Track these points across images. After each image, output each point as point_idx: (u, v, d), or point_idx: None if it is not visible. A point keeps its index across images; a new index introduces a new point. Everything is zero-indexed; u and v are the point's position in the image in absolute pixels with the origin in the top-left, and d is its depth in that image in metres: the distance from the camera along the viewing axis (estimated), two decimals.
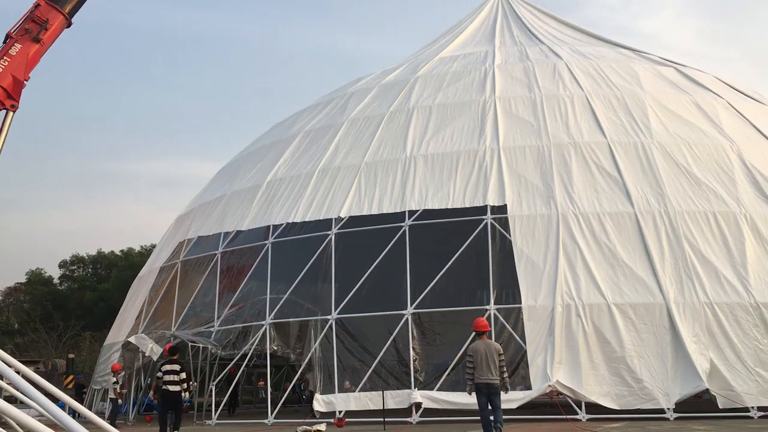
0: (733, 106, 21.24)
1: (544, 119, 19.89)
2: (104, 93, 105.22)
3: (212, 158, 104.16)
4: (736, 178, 18.32)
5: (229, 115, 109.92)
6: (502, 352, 11.51)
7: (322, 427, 14.67)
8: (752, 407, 15.13)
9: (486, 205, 17.83)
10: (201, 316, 20.02)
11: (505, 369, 11.49)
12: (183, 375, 14.33)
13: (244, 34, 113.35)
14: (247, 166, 24.40)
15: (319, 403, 16.92)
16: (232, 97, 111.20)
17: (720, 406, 15.21)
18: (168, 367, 14.32)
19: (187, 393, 14.71)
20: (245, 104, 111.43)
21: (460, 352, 15.67)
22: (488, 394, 11.17)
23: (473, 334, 12.00)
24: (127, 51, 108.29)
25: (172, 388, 14.13)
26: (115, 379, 19.02)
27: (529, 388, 15.63)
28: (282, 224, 19.77)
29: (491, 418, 11.10)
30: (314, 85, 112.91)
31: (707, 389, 15.30)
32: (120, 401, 19.38)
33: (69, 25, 13.37)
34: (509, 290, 16.82)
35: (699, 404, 16.71)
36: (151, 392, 14.67)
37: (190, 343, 19.48)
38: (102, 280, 52.10)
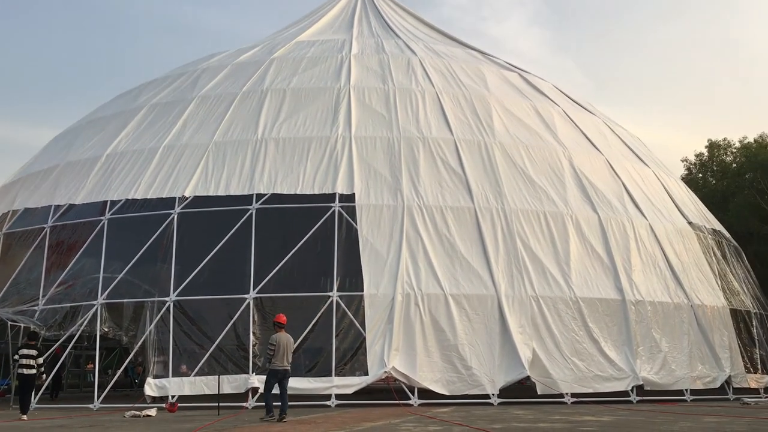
0: (567, 114, 22.89)
1: (395, 112, 20.36)
2: None
3: (45, 124, 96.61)
4: (566, 181, 19.79)
5: (68, 79, 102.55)
6: (294, 344, 13.36)
7: (152, 412, 14.20)
8: (567, 394, 16.46)
9: (335, 193, 17.98)
10: (24, 293, 18.63)
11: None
12: (40, 360, 15.41)
13: None
14: (85, 135, 22.92)
15: (151, 387, 16.35)
16: (74, 58, 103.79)
17: (539, 392, 16.42)
18: (25, 351, 15.23)
19: (43, 375, 15.89)
20: (87, 68, 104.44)
21: (301, 338, 15.78)
22: (281, 379, 12.77)
23: (275, 325, 13.29)
24: None
25: (27, 371, 15.11)
26: None
27: (366, 374, 16.03)
28: (121, 200, 18.81)
29: (276, 402, 12.64)
30: (163, 57, 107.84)
31: (528, 376, 16.47)
32: None
33: None
34: (353, 278, 17.12)
35: (522, 390, 17.95)
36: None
37: (9, 323, 18.10)
38: None
